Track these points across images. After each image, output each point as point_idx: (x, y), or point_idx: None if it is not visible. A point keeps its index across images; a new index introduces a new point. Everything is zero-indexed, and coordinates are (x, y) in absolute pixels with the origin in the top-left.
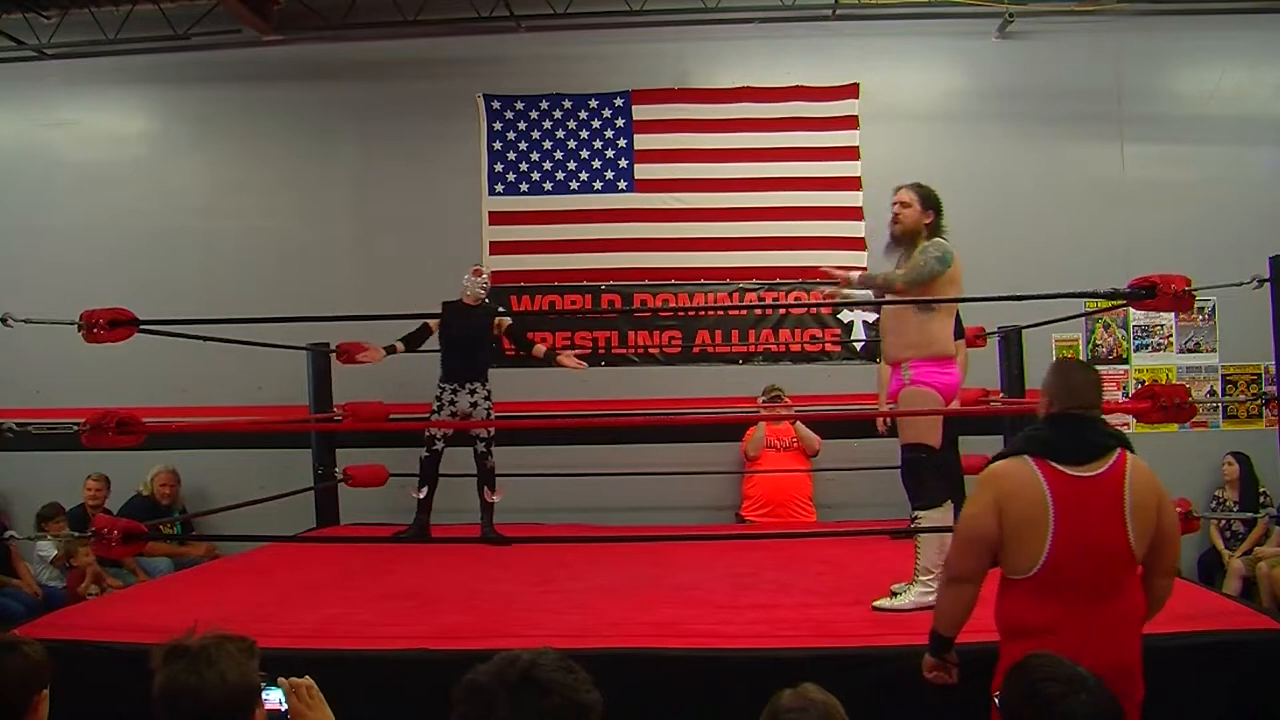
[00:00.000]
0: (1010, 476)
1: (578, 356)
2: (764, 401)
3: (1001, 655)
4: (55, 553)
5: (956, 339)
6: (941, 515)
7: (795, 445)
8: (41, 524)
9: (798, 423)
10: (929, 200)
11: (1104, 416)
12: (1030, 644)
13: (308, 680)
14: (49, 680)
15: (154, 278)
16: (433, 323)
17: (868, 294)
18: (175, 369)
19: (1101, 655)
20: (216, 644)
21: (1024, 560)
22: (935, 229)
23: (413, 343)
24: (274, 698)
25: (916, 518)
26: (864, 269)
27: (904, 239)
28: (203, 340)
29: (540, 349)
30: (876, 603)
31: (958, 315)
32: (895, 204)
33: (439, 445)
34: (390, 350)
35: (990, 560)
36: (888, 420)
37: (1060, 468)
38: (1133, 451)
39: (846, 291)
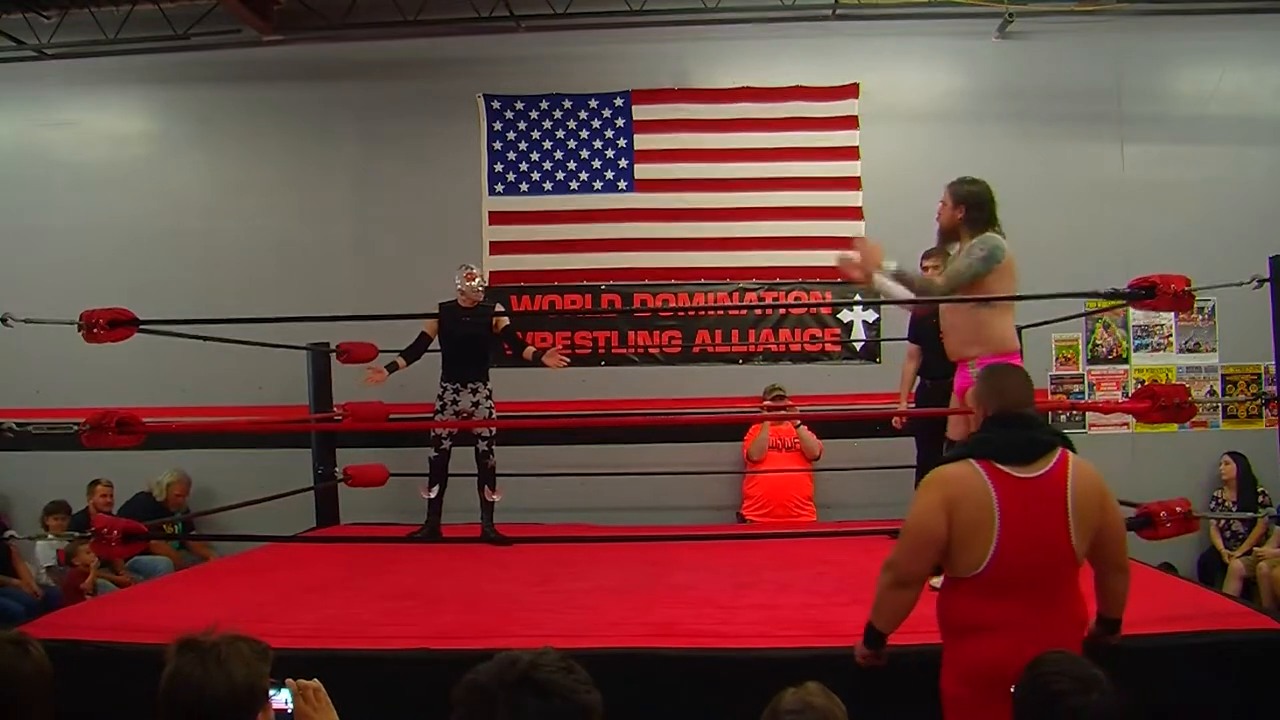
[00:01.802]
0: (957, 480)
1: (565, 355)
2: (769, 402)
3: (946, 652)
4: (52, 563)
5: None
6: None
7: (796, 445)
8: (44, 518)
9: (801, 427)
10: (959, 196)
11: (1043, 416)
12: (974, 641)
13: (315, 683)
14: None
15: (154, 278)
16: (430, 328)
17: (903, 291)
18: (175, 369)
19: (1043, 651)
20: (230, 643)
21: (970, 560)
22: (977, 223)
23: (413, 355)
24: (281, 698)
25: None
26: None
27: (946, 236)
28: (203, 340)
29: (529, 350)
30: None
31: None
32: (938, 203)
33: (446, 444)
34: (393, 368)
35: (936, 561)
36: (903, 418)
37: (1005, 469)
38: (1074, 450)
39: (880, 280)
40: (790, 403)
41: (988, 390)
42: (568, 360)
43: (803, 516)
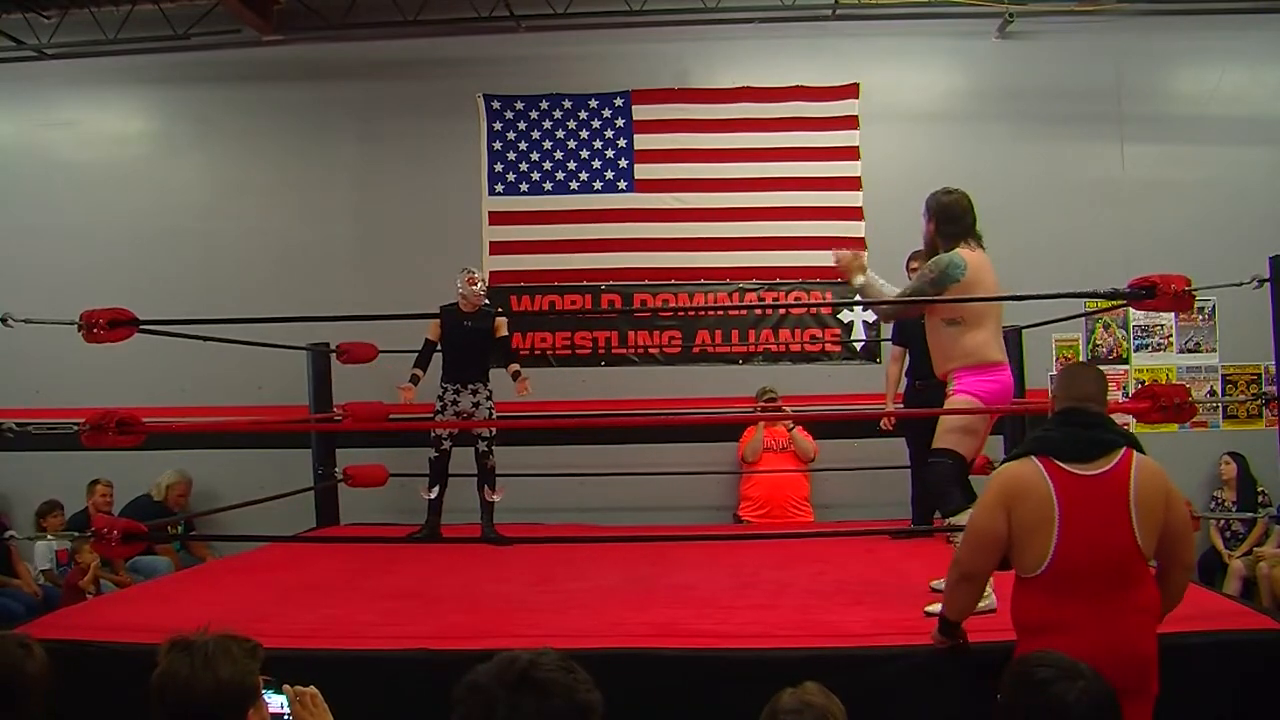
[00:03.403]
0: (1018, 477)
1: (528, 388)
2: (762, 404)
3: (1019, 652)
4: (49, 565)
5: None
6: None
7: (791, 447)
8: (39, 521)
9: (795, 431)
10: (931, 209)
11: (1110, 416)
12: (1044, 640)
13: (312, 689)
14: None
15: (154, 278)
16: (432, 332)
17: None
18: (175, 369)
19: (1115, 650)
20: (220, 642)
21: (1033, 558)
22: (949, 236)
23: (425, 362)
24: (277, 702)
25: (948, 524)
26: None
27: (930, 250)
28: (203, 340)
29: (514, 367)
30: (929, 608)
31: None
32: None
33: (446, 445)
34: (415, 380)
35: (999, 558)
36: (892, 419)
37: (1065, 466)
38: (1141, 450)
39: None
40: (782, 404)
41: (1057, 386)
42: (529, 390)
43: (799, 517)
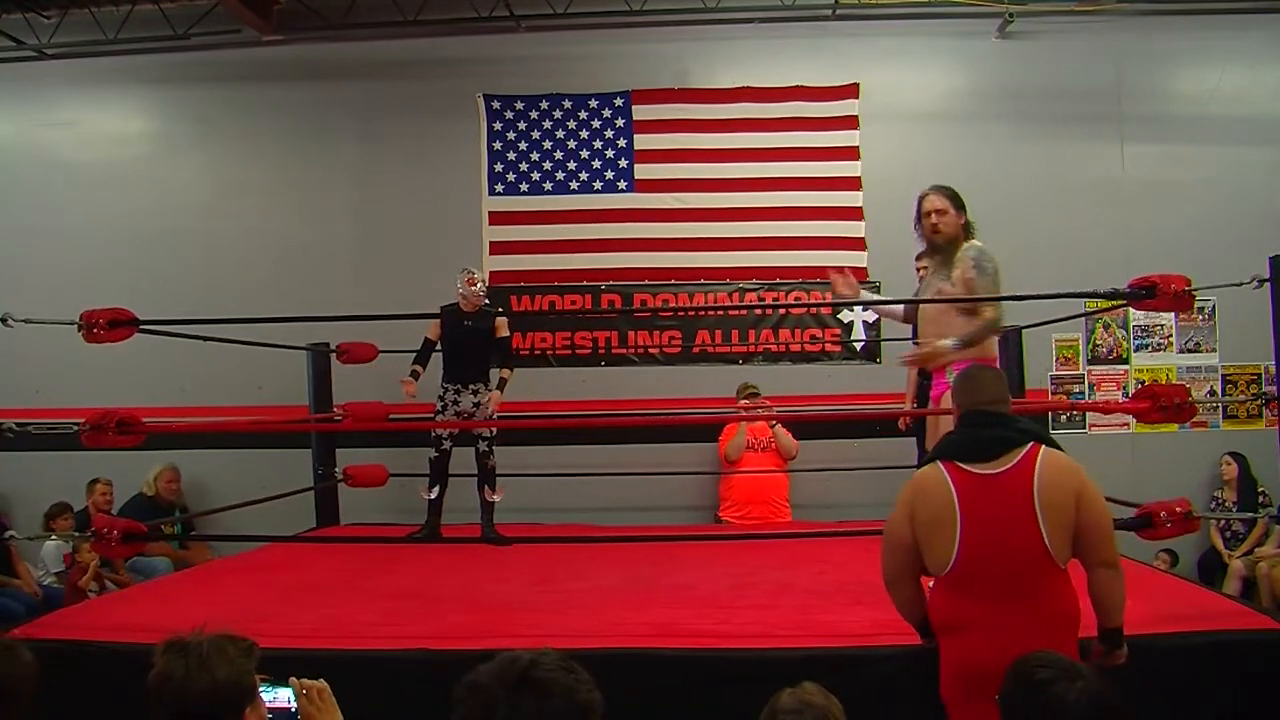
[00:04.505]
0: (919, 480)
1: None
2: (744, 400)
3: (940, 653)
4: (61, 568)
5: None
6: None
7: (772, 446)
8: (48, 523)
9: (777, 426)
10: (960, 203)
11: (1015, 414)
12: (956, 639)
13: (320, 683)
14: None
15: (154, 278)
16: (432, 332)
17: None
18: (175, 369)
19: (1026, 651)
20: (216, 643)
21: (938, 559)
22: (969, 229)
23: (425, 360)
24: (283, 696)
25: None
26: (863, 273)
27: (947, 244)
28: (203, 340)
29: (506, 373)
30: None
31: None
32: (930, 212)
33: (447, 445)
34: (415, 376)
35: (911, 561)
36: (908, 419)
37: (966, 467)
38: (1054, 446)
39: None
40: (765, 400)
41: (959, 390)
42: (493, 412)
43: (780, 516)
